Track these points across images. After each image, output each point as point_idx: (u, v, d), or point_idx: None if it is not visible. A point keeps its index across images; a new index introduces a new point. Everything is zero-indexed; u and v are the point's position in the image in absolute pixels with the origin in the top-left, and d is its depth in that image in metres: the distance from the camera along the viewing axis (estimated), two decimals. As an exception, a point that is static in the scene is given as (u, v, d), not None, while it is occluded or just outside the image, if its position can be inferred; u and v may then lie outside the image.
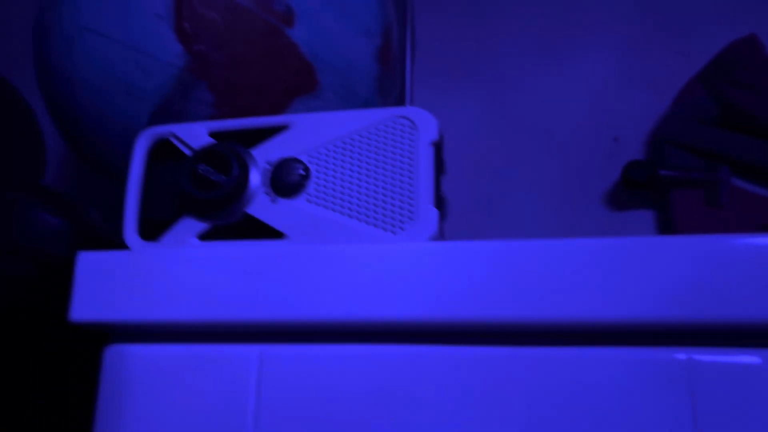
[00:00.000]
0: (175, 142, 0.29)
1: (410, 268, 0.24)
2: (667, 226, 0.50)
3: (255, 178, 0.27)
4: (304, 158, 0.27)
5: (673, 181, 0.48)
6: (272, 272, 0.25)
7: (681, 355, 0.22)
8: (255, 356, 0.25)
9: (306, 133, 0.28)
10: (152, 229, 0.28)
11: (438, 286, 0.24)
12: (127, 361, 0.26)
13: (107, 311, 0.26)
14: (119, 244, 0.29)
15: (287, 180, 0.27)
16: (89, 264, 0.26)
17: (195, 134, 0.29)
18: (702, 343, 0.22)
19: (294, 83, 0.41)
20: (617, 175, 0.51)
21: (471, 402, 0.23)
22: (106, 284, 0.26)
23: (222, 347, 0.25)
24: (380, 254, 0.25)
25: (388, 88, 0.50)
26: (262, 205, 0.27)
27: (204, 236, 0.27)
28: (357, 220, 0.26)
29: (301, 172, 0.27)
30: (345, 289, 0.25)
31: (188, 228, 0.27)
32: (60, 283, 0.26)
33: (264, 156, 0.28)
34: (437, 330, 0.24)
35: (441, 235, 0.26)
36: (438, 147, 0.27)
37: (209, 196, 0.26)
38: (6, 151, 0.30)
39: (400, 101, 0.53)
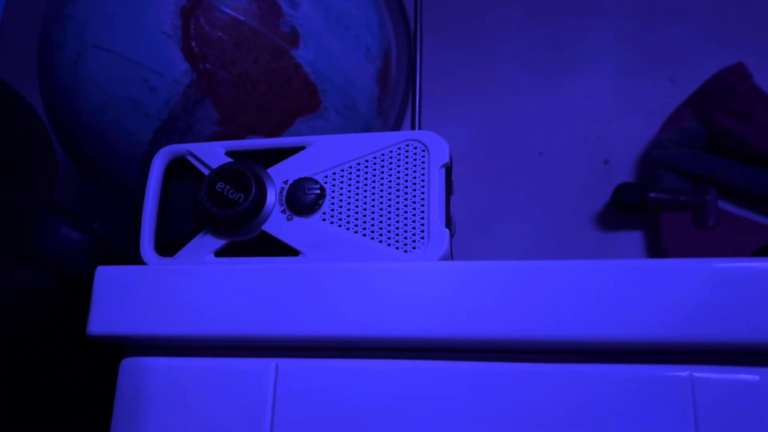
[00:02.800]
0: (192, 160, 0.30)
1: (422, 286, 0.25)
2: (655, 247, 0.51)
3: (272, 196, 0.28)
4: (319, 178, 0.28)
5: (662, 203, 0.49)
6: (288, 289, 0.26)
7: (683, 372, 0.23)
8: (271, 369, 0.25)
9: (321, 154, 0.28)
10: (168, 245, 0.29)
11: (449, 304, 0.25)
12: (143, 374, 0.26)
13: (124, 325, 0.26)
14: (129, 259, 0.30)
15: (303, 199, 0.27)
16: (107, 279, 0.27)
17: (212, 153, 0.29)
18: (704, 361, 0.23)
19: (298, 103, 0.42)
20: (608, 197, 0.53)
21: (481, 414, 0.24)
22: (124, 299, 0.27)
23: (238, 361, 0.26)
24: (393, 273, 0.26)
25: (388, 108, 0.51)
26: (278, 223, 0.28)
27: (220, 252, 0.28)
28: (370, 239, 0.27)
29: (317, 191, 0.28)
30: (358, 306, 0.25)
31: (205, 244, 0.28)
32: (79, 297, 0.27)
33: (280, 175, 0.28)
34: (447, 346, 0.25)
35: (450, 254, 0.27)
36: (448, 169, 0.28)
37: (227, 213, 0.27)
38: (26, 165, 0.31)
39: (399, 121, 0.54)
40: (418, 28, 0.33)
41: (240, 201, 0.27)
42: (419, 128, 0.33)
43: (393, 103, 0.53)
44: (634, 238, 0.52)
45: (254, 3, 0.41)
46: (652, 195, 0.49)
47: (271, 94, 0.42)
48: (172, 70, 0.40)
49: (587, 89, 0.56)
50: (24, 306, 0.26)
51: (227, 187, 0.27)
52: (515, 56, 0.58)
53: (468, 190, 0.55)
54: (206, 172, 0.29)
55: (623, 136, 0.54)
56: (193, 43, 0.40)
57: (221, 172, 0.28)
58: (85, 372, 0.29)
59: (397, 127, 0.53)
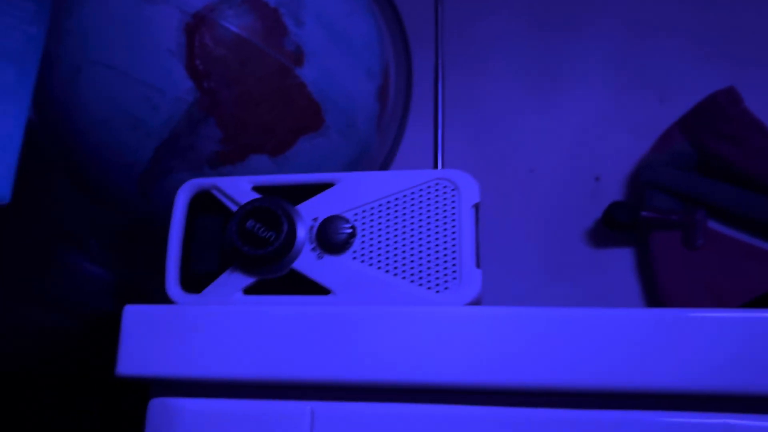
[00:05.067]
0: (217, 194, 0.29)
1: (455, 331, 0.25)
2: (645, 265, 0.52)
3: (302, 234, 0.28)
4: (349, 216, 0.28)
5: (652, 222, 0.50)
6: (319, 332, 0.26)
7: (717, 420, 0.24)
8: (307, 413, 0.25)
9: (351, 192, 0.28)
10: (195, 281, 0.28)
11: (481, 350, 0.25)
12: (173, 415, 0.26)
13: (153, 366, 0.26)
14: (152, 294, 0.29)
15: (335, 237, 0.27)
16: (135, 318, 0.26)
17: (238, 188, 0.29)
18: (738, 409, 0.24)
19: (301, 122, 0.42)
20: (598, 214, 0.53)
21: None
22: (152, 338, 0.26)
23: (271, 403, 0.26)
24: (425, 317, 0.26)
25: (386, 126, 0.51)
26: (308, 261, 0.28)
27: (249, 290, 0.28)
28: (401, 279, 0.27)
29: (348, 230, 0.27)
30: (390, 350, 0.25)
31: (233, 281, 0.28)
32: (102, 337, 0.26)
33: (310, 212, 0.28)
34: (479, 391, 0.25)
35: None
36: (478, 208, 0.28)
37: (258, 252, 0.27)
38: (52, 203, 0.30)
39: (397, 138, 0.54)
40: (440, 65, 0.33)
41: (271, 240, 0.27)
42: (442, 166, 0.33)
43: (391, 120, 0.53)
44: (624, 255, 0.53)
45: (259, 21, 0.41)
46: (643, 214, 0.50)
47: (274, 112, 0.41)
48: (174, 87, 0.39)
49: (579, 106, 0.57)
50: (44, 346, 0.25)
51: (258, 225, 0.27)
52: (508, 72, 0.59)
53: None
54: (232, 206, 0.29)
55: (614, 153, 0.55)
56: (198, 61, 0.40)
57: (251, 210, 0.27)
58: (107, 411, 0.29)
59: (395, 144, 0.53)
